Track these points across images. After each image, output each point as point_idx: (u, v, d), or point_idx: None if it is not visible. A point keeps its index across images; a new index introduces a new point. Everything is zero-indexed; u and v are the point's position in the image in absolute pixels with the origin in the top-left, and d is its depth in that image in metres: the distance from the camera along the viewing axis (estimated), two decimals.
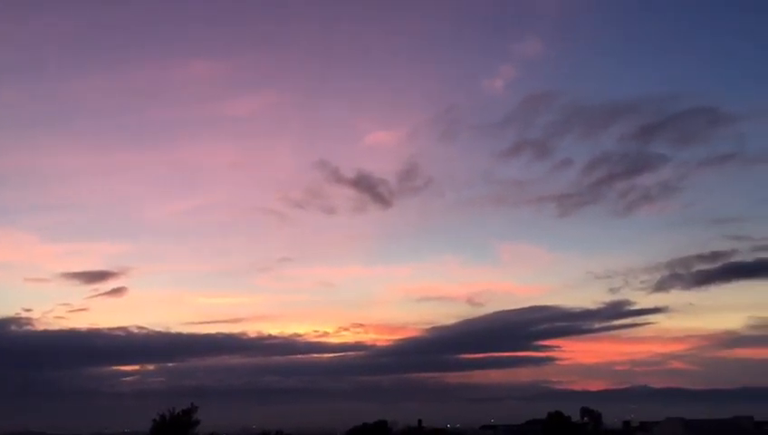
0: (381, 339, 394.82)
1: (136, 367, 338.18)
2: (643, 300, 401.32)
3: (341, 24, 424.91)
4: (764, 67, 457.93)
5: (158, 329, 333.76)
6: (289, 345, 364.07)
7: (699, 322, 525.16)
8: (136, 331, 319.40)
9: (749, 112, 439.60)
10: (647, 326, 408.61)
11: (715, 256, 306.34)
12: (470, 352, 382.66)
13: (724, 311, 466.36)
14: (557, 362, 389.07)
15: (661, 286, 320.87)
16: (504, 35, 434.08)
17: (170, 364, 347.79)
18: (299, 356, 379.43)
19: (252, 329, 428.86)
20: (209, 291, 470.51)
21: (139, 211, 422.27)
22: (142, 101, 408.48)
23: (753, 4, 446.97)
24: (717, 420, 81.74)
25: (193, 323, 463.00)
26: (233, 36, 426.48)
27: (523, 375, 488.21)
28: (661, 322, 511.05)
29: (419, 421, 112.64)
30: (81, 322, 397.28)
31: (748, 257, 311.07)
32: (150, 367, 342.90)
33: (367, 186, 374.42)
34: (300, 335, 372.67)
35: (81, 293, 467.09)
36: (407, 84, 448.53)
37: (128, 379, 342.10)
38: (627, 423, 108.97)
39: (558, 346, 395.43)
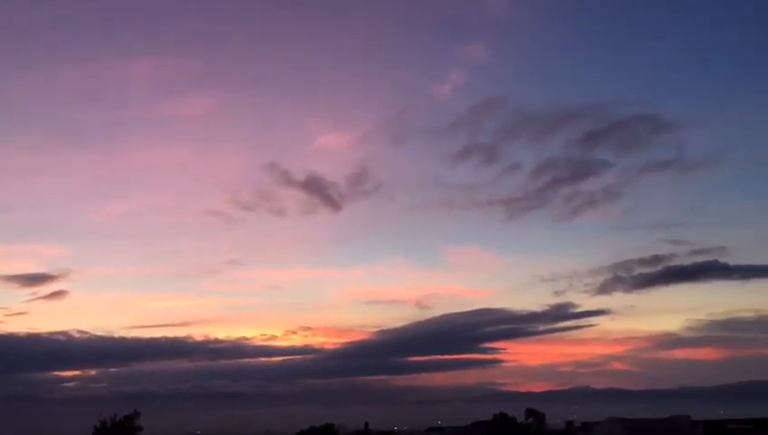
0: (329, 342, 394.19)
1: (77, 372, 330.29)
2: (586, 302, 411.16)
3: (291, 25, 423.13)
4: (703, 76, 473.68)
5: (100, 333, 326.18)
6: (236, 349, 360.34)
7: (639, 324, 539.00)
8: (77, 335, 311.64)
9: (689, 120, 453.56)
10: (589, 328, 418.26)
11: (655, 259, 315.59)
12: (418, 355, 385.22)
13: (664, 313, 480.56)
14: (503, 364, 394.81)
15: (604, 289, 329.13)
16: (452, 41, 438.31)
17: (113, 369, 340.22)
18: (246, 360, 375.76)
19: (198, 333, 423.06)
20: (154, 294, 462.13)
21: (81, 213, 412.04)
22: (84, 100, 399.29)
23: (695, 14, 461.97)
24: (656, 419, 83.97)
25: (137, 327, 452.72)
26: (179, 35, 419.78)
27: (470, 377, 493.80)
28: (603, 324, 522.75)
29: (366, 424, 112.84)
30: (20, 326, 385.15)
31: (686, 261, 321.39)
32: (92, 372, 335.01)
33: (317, 188, 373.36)
34: (247, 339, 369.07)
35: (19, 296, 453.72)
36: (357, 88, 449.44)
37: (68, 384, 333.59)
38: (569, 423, 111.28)
39: (504, 348, 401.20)
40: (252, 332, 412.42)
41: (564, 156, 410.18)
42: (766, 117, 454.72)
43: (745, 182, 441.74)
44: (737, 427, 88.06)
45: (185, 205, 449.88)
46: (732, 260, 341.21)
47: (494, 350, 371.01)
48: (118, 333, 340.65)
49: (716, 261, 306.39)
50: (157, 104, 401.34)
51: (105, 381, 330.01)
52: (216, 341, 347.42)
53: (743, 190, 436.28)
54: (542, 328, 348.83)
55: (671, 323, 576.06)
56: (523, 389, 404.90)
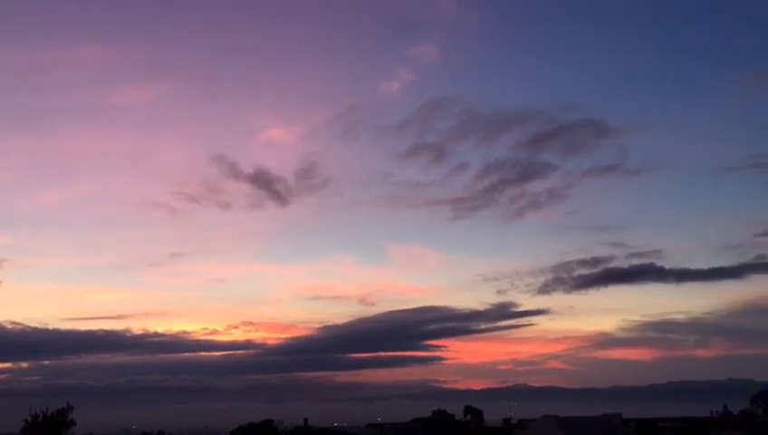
0: (272, 337, 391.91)
1: (8, 365, 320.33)
2: (527, 302, 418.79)
3: (241, 16, 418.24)
4: (647, 84, 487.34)
5: (33, 325, 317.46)
6: (176, 343, 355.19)
7: (577, 324, 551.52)
8: (9, 326, 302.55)
9: (631, 126, 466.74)
10: (529, 327, 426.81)
11: (595, 261, 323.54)
12: (360, 352, 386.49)
13: (600, 314, 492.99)
14: (444, 362, 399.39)
15: (545, 289, 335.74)
16: (402, 40, 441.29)
17: (46, 362, 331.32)
18: (186, 354, 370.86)
19: (137, 326, 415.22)
20: (92, 286, 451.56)
21: (17, 201, 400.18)
22: (22, 84, 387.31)
23: (643, 24, 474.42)
24: (589, 417, 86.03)
25: (73, 318, 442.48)
26: (125, 21, 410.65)
27: (411, 374, 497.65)
28: (543, 323, 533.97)
29: (305, 420, 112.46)
30: None
31: (624, 264, 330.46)
32: (24, 365, 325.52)
33: (264, 182, 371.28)
34: (188, 333, 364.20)
35: None
36: (306, 82, 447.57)
37: None
38: (507, 421, 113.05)
39: (445, 346, 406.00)
40: (193, 326, 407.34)
41: (511, 157, 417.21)
42: (704, 125, 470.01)
43: (683, 188, 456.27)
44: (667, 425, 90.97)
45: (127, 195, 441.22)
46: (667, 263, 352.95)
47: (435, 347, 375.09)
48: (52, 325, 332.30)
49: (653, 264, 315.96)
50: (100, 91, 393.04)
51: (38, 374, 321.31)
52: (156, 334, 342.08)
53: (680, 196, 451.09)
54: (483, 326, 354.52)
55: (607, 323, 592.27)
56: (463, 386, 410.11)
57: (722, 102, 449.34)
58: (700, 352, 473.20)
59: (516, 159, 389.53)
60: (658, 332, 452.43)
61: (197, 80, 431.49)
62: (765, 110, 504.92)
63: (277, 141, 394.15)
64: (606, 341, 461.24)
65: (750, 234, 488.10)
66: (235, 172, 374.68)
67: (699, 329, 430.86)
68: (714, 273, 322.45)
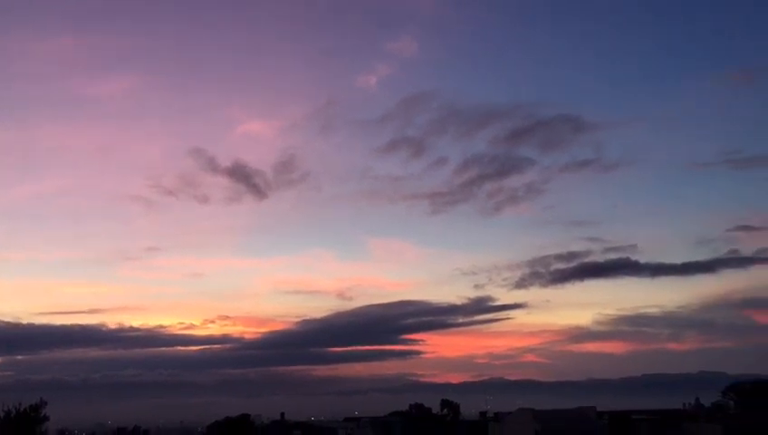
0: (249, 332, 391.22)
1: None
2: (504, 296, 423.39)
3: (219, 9, 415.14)
4: (624, 80, 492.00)
5: (6, 319, 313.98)
6: (152, 338, 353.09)
7: (553, 317, 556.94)
8: None
9: (608, 122, 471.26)
10: (507, 321, 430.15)
11: (571, 256, 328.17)
12: (338, 346, 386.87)
13: (576, 308, 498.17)
14: (422, 356, 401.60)
15: (521, 283, 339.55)
16: (380, 34, 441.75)
17: (20, 357, 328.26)
18: (162, 349, 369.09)
19: (112, 320, 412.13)
20: (67, 280, 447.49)
21: None
22: None
23: (620, 22, 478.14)
24: (564, 410, 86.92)
25: (47, 313, 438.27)
26: (99, 11, 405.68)
27: (389, 368, 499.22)
28: (519, 317, 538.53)
29: (282, 415, 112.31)
30: None
31: (600, 258, 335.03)
32: None
33: (242, 176, 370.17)
34: (164, 327, 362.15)
35: None
36: (284, 76, 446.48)
37: None
38: (483, 414, 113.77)
39: (423, 340, 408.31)
40: (169, 320, 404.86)
41: (490, 152, 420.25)
42: (678, 121, 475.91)
43: (658, 183, 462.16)
44: (641, 418, 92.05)
45: (103, 188, 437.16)
46: (642, 258, 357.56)
47: (413, 341, 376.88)
48: (26, 320, 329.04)
49: (628, 258, 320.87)
50: (74, 82, 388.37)
51: (11, 369, 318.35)
52: (131, 329, 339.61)
53: (655, 191, 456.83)
54: (461, 320, 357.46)
55: (582, 317, 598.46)
56: (440, 380, 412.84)
57: (696, 99, 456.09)
58: (673, 346, 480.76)
59: (495, 153, 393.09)
60: (633, 325, 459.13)
61: (174, 72, 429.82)
62: (739, 107, 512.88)
63: (255, 135, 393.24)
64: (581, 334, 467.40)
65: (723, 229, 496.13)
66: (212, 166, 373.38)
67: (673, 323, 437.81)
68: (687, 267, 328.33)
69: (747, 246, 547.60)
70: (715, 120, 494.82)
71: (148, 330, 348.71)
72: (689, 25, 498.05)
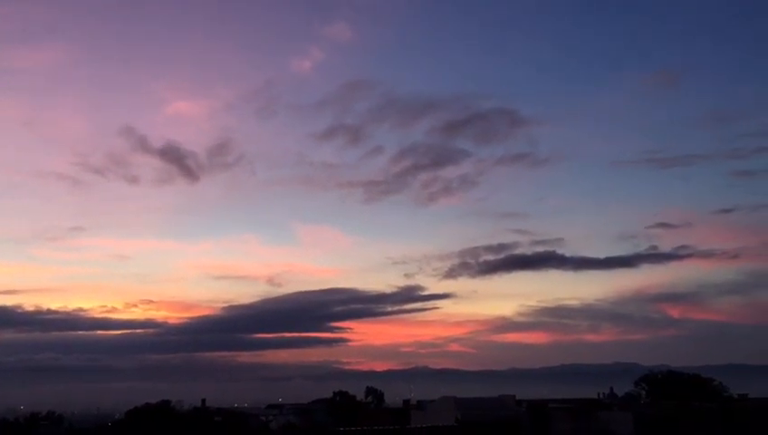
0: (173, 316, 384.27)
1: None
2: (434, 286, 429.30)
3: None
4: (558, 77, 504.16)
5: None
6: (71, 321, 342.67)
7: (479, 308, 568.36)
8: None
9: (542, 117, 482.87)
10: (434, 311, 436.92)
11: (500, 247, 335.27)
12: (265, 332, 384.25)
13: (501, 299, 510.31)
14: (348, 344, 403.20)
15: (451, 274, 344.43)
16: (315, 18, 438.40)
17: None
18: (81, 332, 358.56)
19: (29, 302, 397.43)
20: None
21: None
22: None
23: (556, 17, 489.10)
24: (485, 398, 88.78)
25: None
26: None
27: (315, 355, 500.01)
28: (446, 307, 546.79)
29: (203, 401, 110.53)
30: None
31: (527, 250, 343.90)
32: None
33: (174, 157, 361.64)
34: (84, 310, 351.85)
35: None
36: (216, 55, 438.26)
37: None
38: (406, 402, 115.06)
39: (350, 328, 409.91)
40: (90, 303, 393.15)
41: (426, 142, 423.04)
42: (604, 120, 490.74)
43: (583, 179, 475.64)
44: (556, 406, 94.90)
45: (23, 164, 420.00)
46: (568, 251, 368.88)
47: (341, 329, 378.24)
48: None
49: (554, 252, 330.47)
50: None
51: None
52: (49, 311, 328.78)
53: (581, 187, 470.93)
54: (389, 309, 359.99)
55: (506, 308, 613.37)
56: (365, 368, 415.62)
57: (623, 99, 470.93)
58: (591, 337, 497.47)
59: (431, 144, 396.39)
60: (554, 317, 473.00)
61: (102, 46, 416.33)
62: (660, 107, 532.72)
63: (187, 115, 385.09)
64: (505, 325, 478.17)
65: (643, 225, 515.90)
66: (143, 145, 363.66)
67: (591, 315, 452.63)
68: (609, 262, 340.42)
69: (666, 242, 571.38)
70: (638, 119, 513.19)
71: (67, 313, 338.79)
72: (619, 27, 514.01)
